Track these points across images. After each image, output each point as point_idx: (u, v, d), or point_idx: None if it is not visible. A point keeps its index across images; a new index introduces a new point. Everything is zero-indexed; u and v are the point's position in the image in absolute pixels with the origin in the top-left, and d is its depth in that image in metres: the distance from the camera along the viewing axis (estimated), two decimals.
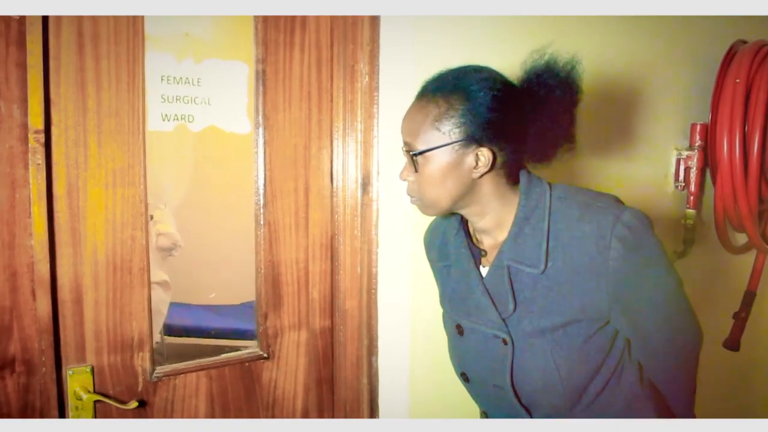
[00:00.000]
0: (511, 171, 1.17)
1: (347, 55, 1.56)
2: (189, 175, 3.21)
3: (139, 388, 1.40)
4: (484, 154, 1.11)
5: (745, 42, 2.22)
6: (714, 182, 2.14)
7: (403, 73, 1.55)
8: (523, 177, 1.19)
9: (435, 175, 1.14)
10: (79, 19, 1.27)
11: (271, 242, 1.54)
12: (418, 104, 1.16)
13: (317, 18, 1.55)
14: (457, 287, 1.26)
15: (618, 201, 1.16)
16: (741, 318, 2.26)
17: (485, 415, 1.32)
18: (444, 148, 1.12)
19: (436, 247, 1.33)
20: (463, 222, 1.27)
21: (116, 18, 1.30)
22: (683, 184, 2.13)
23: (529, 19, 1.72)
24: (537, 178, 1.20)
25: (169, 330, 3.10)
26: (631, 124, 2.03)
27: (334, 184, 1.60)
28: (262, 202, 1.53)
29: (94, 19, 1.28)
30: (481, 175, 1.14)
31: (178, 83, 1.62)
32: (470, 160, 1.12)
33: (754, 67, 2.07)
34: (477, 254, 1.24)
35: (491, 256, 1.21)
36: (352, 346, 1.63)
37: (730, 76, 2.09)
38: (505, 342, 1.17)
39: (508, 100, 1.11)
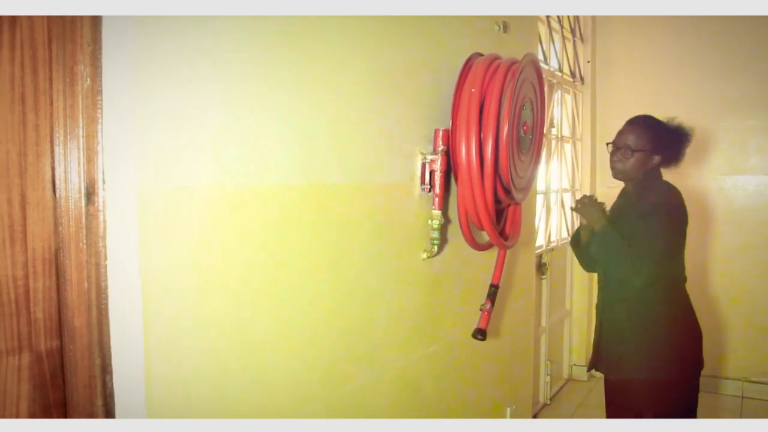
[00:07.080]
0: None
1: (66, 55, 1.46)
2: None
3: None
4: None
5: (481, 55, 2.41)
6: (457, 185, 2.29)
7: (128, 76, 1.47)
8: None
9: None
10: None
11: None
12: None
13: (30, 16, 1.43)
14: None
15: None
16: (486, 310, 2.44)
17: None
18: None
19: None
20: None
21: None
22: (429, 187, 2.25)
23: (286, 20, 1.72)
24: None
25: None
26: (380, 129, 2.11)
27: (57, 195, 1.49)
28: None
29: None
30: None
31: None
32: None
33: (487, 78, 2.25)
34: None
35: None
36: (84, 367, 1.52)
37: (467, 86, 2.25)
38: None
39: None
